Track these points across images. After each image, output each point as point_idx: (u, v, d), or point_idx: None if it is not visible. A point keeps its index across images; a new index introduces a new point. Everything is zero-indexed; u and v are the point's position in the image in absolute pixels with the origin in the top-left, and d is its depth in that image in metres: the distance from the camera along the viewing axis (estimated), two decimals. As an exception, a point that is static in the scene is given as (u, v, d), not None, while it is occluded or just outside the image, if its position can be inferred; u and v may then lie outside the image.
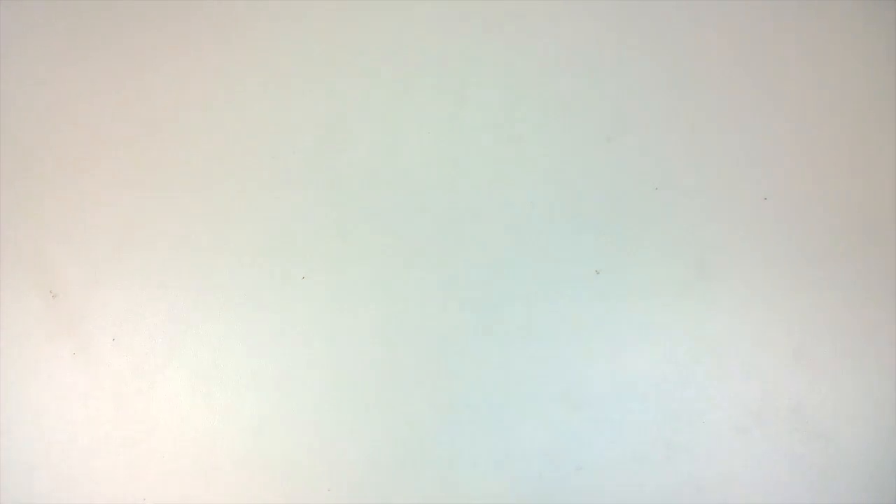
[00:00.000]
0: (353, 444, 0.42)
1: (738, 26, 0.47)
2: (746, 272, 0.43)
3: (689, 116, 0.46)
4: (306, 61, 0.48)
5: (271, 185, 0.46)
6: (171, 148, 0.46)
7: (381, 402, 0.43)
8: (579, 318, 0.44)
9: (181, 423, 0.42)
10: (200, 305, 0.44)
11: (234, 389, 0.43)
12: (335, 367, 0.43)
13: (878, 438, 0.41)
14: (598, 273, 0.43)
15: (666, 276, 0.44)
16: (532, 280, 0.44)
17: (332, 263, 0.45)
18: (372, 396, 0.43)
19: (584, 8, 0.48)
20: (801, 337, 0.42)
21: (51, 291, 0.45)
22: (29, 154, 0.47)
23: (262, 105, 0.47)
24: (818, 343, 0.42)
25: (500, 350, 0.43)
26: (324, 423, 0.43)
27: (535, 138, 0.46)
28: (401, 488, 0.42)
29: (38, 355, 0.44)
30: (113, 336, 0.44)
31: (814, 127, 0.46)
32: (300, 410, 0.43)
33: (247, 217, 0.44)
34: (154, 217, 0.46)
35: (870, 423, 0.41)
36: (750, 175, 0.44)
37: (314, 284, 0.44)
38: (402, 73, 0.47)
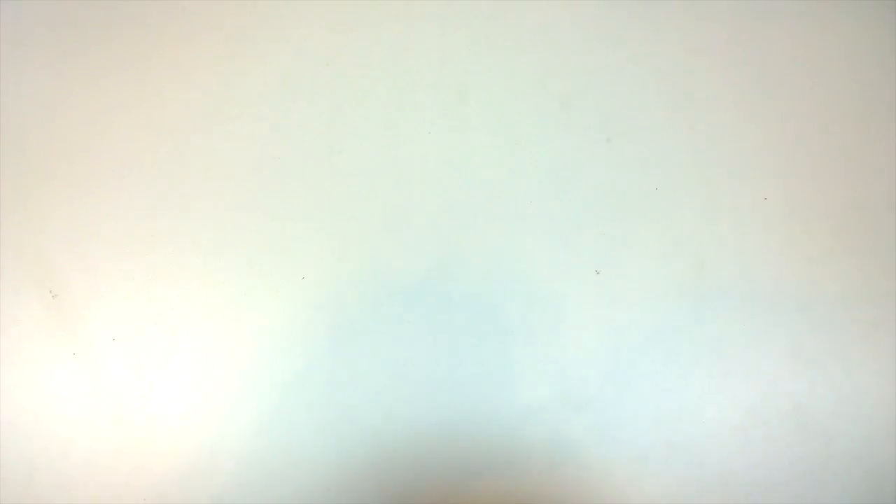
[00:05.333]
0: (354, 444, 0.42)
1: (739, 26, 0.47)
2: (746, 272, 0.43)
3: (689, 116, 0.46)
4: (307, 61, 0.48)
5: (272, 184, 0.46)
6: (171, 148, 0.46)
7: (380, 402, 0.43)
8: (579, 317, 0.44)
9: (181, 423, 0.42)
10: (200, 305, 0.44)
11: (234, 389, 0.43)
12: (335, 367, 0.43)
13: (878, 438, 0.41)
14: (598, 273, 0.43)
15: (666, 276, 0.44)
16: (532, 280, 0.44)
17: (333, 263, 0.45)
18: (372, 396, 0.43)
19: (585, 7, 0.48)
20: (801, 337, 0.42)
21: (51, 291, 0.45)
22: (29, 153, 0.47)
23: (262, 104, 0.47)
24: (818, 343, 0.42)
25: (500, 350, 0.43)
26: (324, 423, 0.43)
27: (535, 138, 0.46)
28: (400, 488, 0.42)
29: (38, 355, 0.44)
30: (113, 336, 0.44)
31: (814, 127, 0.46)
32: (300, 410, 0.43)
33: (247, 217, 0.44)
34: (154, 217, 0.45)
35: (870, 423, 0.41)
36: (750, 175, 0.44)
37: (314, 284, 0.44)
38: (402, 73, 0.47)
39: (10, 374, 0.44)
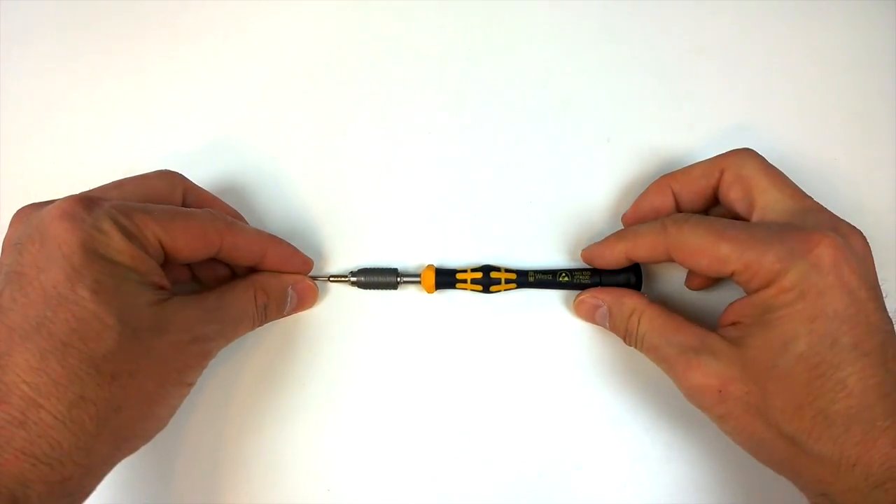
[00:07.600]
0: (353, 444, 0.42)
1: (738, 26, 0.47)
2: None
3: (688, 116, 0.46)
4: (307, 60, 0.48)
5: (271, 184, 0.46)
6: (170, 147, 0.47)
7: (380, 402, 0.43)
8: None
9: (181, 423, 0.42)
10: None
11: (234, 389, 0.43)
12: (334, 367, 0.43)
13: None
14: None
15: (666, 276, 0.44)
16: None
17: (333, 263, 0.45)
18: (371, 396, 0.43)
19: (585, 7, 0.48)
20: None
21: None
22: (29, 151, 0.47)
23: (262, 103, 0.47)
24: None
25: (500, 350, 0.43)
26: (324, 423, 0.43)
27: (535, 138, 0.46)
28: (400, 488, 0.42)
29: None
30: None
31: (814, 127, 0.46)
32: (300, 410, 0.43)
33: (246, 217, 0.44)
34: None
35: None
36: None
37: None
38: (402, 73, 0.47)
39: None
